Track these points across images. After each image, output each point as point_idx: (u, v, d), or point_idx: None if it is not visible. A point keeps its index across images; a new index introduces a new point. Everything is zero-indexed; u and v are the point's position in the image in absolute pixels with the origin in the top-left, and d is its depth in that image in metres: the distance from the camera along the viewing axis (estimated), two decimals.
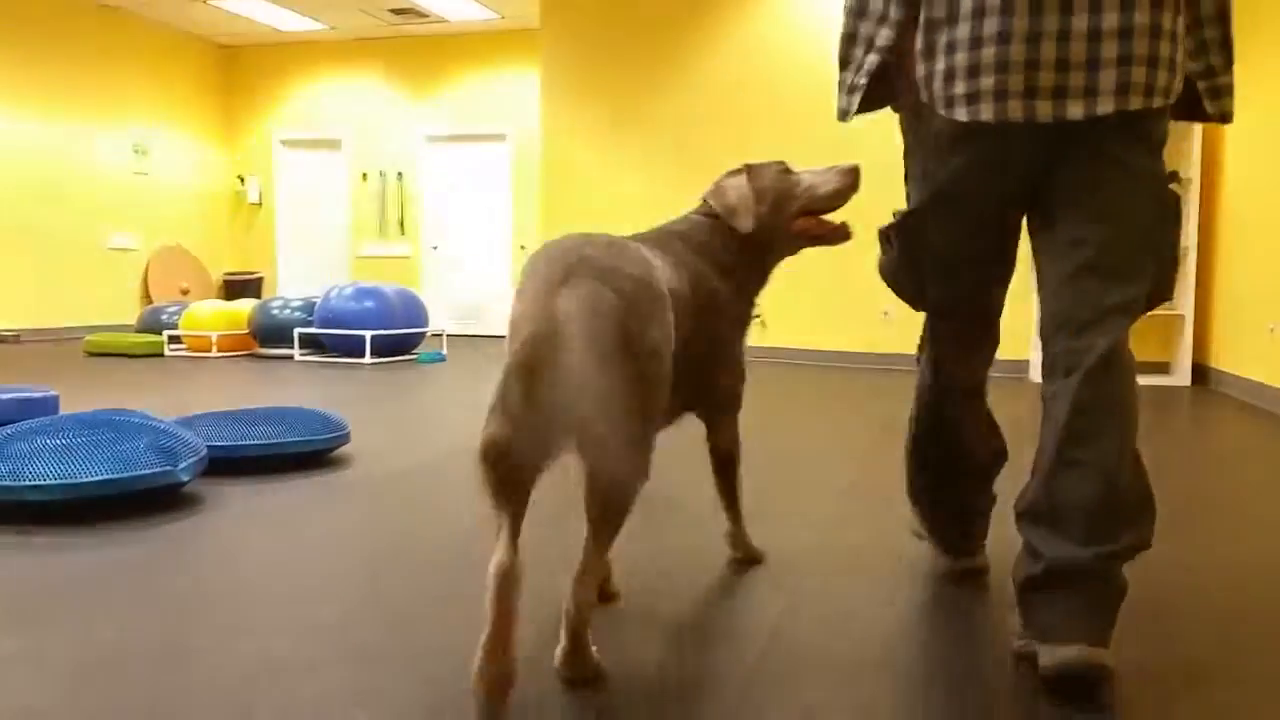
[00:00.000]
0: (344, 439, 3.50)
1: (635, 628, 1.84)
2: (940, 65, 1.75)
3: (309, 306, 8.07)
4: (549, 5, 9.07)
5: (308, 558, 2.30)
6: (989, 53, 1.68)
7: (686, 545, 2.43)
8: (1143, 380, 6.44)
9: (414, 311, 8.12)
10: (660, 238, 2.02)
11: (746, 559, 2.29)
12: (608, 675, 1.62)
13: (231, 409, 3.63)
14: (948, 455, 2.10)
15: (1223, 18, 1.77)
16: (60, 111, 10.19)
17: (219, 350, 8.04)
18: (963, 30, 1.71)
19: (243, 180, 12.44)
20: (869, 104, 1.92)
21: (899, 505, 2.87)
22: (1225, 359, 6.06)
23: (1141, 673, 1.66)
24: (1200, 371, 6.45)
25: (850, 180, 2.12)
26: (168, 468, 2.67)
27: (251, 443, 3.20)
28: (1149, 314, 2.21)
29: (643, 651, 1.73)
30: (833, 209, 2.13)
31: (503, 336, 11.45)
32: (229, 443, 3.18)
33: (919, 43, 1.80)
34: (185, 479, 2.72)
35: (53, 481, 2.50)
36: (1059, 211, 1.76)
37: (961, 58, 1.72)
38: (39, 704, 1.50)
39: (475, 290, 11.85)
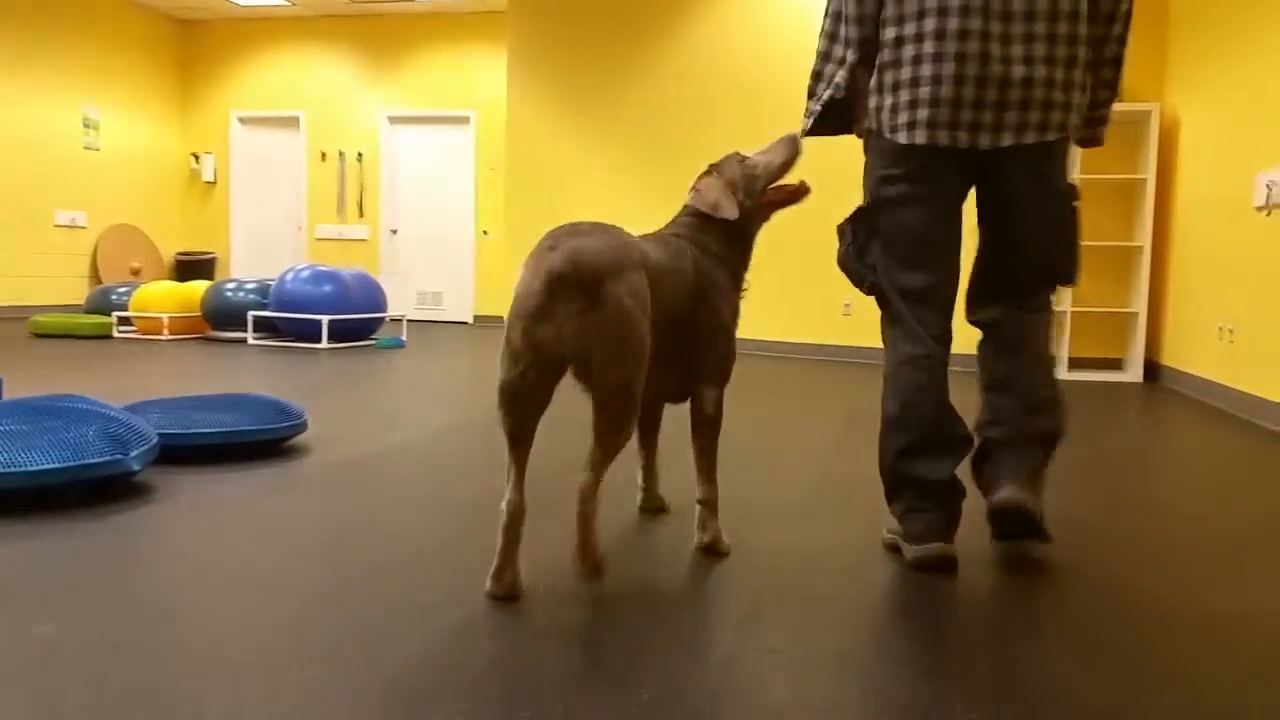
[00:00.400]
0: (300, 427, 3.44)
1: (596, 631, 1.83)
2: (888, 100, 2.25)
3: (264, 289, 7.95)
4: None
5: (263, 551, 2.25)
6: (924, 92, 2.17)
7: (649, 544, 2.42)
8: (1095, 376, 6.52)
9: (372, 296, 8.03)
10: (662, 237, 2.30)
11: (712, 545, 2.33)
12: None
13: (184, 395, 3.55)
14: (919, 430, 2.26)
15: (1118, 62, 2.28)
16: (7, 82, 9.92)
17: (170, 333, 7.90)
18: (905, 73, 2.20)
19: (197, 158, 12.22)
20: (824, 131, 2.44)
21: (863, 500, 2.88)
22: (1176, 356, 6.14)
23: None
24: (1152, 368, 6.53)
25: (794, 147, 2.42)
26: (118, 456, 2.61)
27: (205, 430, 3.14)
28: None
29: (605, 655, 1.71)
30: (784, 175, 2.43)
31: (464, 323, 11.38)
32: (181, 430, 3.12)
33: (873, 81, 2.29)
34: (136, 468, 2.66)
35: None
36: (985, 221, 2.36)
37: (904, 95, 2.21)
38: None
39: (436, 275, 11.75)
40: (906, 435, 2.25)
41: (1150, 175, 6.37)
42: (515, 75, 9.12)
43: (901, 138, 2.22)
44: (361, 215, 11.80)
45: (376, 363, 6.53)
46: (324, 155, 11.84)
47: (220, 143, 12.20)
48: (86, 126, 10.83)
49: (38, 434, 2.54)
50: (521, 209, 9.21)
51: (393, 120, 11.69)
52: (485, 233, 11.41)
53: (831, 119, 2.41)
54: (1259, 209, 4.73)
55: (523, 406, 1.94)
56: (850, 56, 2.29)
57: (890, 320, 2.37)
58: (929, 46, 2.15)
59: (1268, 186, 4.55)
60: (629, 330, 1.90)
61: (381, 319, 8.16)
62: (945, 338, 2.31)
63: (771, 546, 2.41)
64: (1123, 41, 2.26)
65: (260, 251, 12.37)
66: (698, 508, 2.35)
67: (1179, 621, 1.95)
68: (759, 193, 2.39)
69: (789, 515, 2.72)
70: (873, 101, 2.29)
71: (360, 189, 11.75)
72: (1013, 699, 1.57)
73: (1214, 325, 5.40)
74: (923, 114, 2.18)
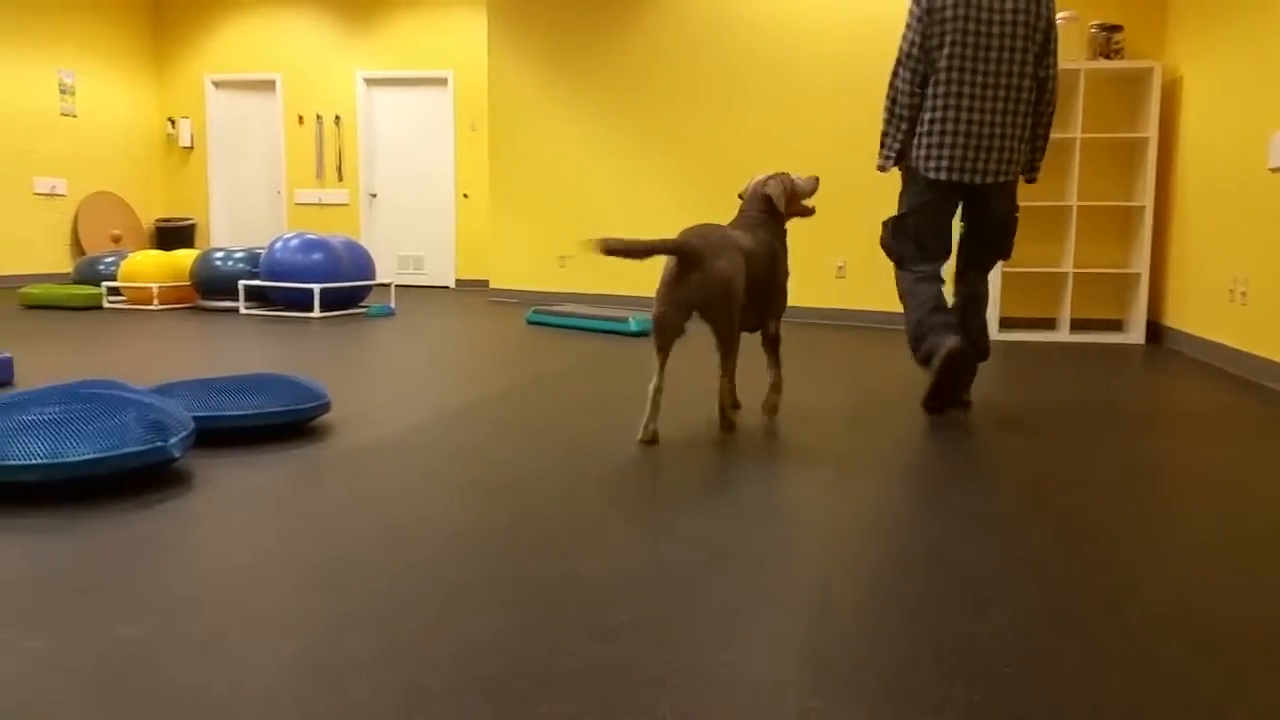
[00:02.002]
0: (325, 408, 3.39)
1: (697, 623, 1.80)
2: (922, 152, 3.87)
3: (253, 258, 7.82)
4: None
5: (318, 539, 2.21)
6: (945, 151, 3.81)
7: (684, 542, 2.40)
8: (1096, 338, 6.55)
9: (361, 264, 7.92)
10: (747, 225, 3.64)
11: (774, 407, 3.77)
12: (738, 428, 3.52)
13: (206, 376, 3.49)
14: (933, 303, 3.83)
15: (1047, 135, 3.93)
16: None
17: (160, 302, 7.77)
18: (934, 139, 3.83)
19: (173, 123, 11.97)
20: (894, 165, 4.00)
21: (889, 475, 2.88)
22: (1180, 318, 6.17)
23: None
24: (1154, 330, 6.57)
25: (816, 184, 3.85)
26: (159, 443, 2.55)
27: (234, 413, 3.08)
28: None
29: (707, 645, 1.69)
30: (808, 197, 3.84)
31: (446, 287, 11.27)
32: (211, 413, 3.06)
33: (915, 140, 3.91)
34: (177, 454, 2.60)
35: (42, 461, 2.36)
36: (969, 222, 4.02)
37: (933, 150, 3.83)
38: (74, 714, 1.41)
39: (416, 239, 11.61)
40: (926, 307, 3.82)
41: (1152, 134, 6.36)
42: (496, 34, 8.96)
43: (930, 174, 3.87)
44: (341, 179, 11.62)
45: (370, 332, 6.46)
46: (301, 119, 11.63)
47: (196, 107, 11.95)
48: (63, 92, 10.56)
49: (76, 422, 2.48)
50: (505, 170, 9.10)
51: (369, 82, 11.49)
52: (465, 195, 11.27)
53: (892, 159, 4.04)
54: (1275, 170, 4.73)
55: (664, 331, 3.22)
56: (904, 126, 3.91)
57: (906, 275, 3.98)
58: (949, 127, 3.80)
59: None
60: (725, 290, 3.24)
61: (370, 287, 8.06)
62: (937, 276, 3.94)
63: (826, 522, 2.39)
64: (1049, 123, 3.92)
65: (240, 217, 12.17)
66: (769, 387, 3.77)
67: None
68: (793, 202, 3.79)
69: (820, 484, 2.71)
70: (913, 151, 3.92)
71: (339, 153, 11.56)
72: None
73: (1223, 286, 5.41)
74: (944, 162, 3.83)
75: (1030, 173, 4.01)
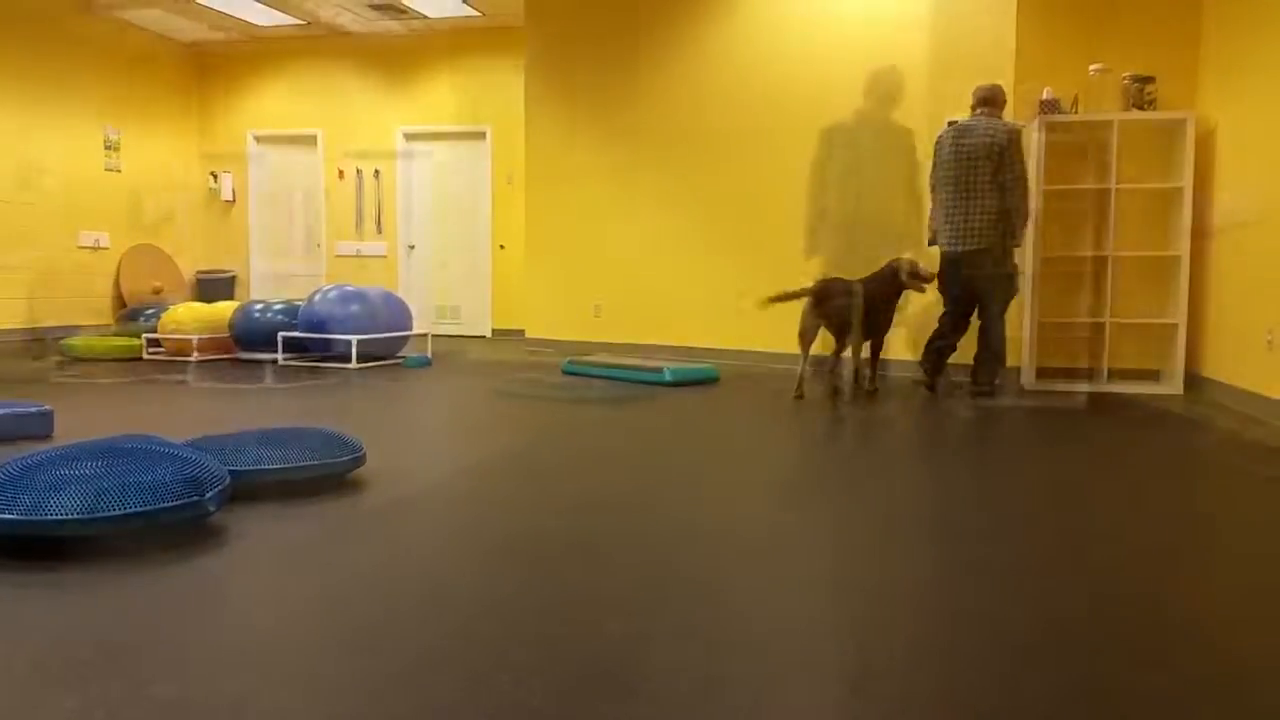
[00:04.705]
0: (360, 460, 3.41)
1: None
2: (939, 234, 6.12)
3: (291, 310, 7.91)
4: (533, 4, 8.99)
5: (353, 597, 2.22)
6: (945, 229, 6.02)
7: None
8: (1134, 388, 6.48)
9: (399, 315, 8.00)
10: (875, 279, 5.98)
11: (872, 389, 6.06)
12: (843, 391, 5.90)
13: (242, 429, 3.53)
14: (940, 339, 6.16)
15: (1020, 215, 5.89)
16: (32, 107, 9.92)
17: (199, 354, 7.88)
18: (940, 224, 6.08)
19: (215, 177, 12.20)
20: (933, 243, 6.27)
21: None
22: (1217, 367, 6.10)
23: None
24: (1192, 380, 6.49)
25: (932, 276, 5.99)
26: (195, 498, 2.58)
27: (270, 467, 3.11)
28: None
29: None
30: (922, 277, 5.93)
31: (482, 336, 11.34)
32: (247, 467, 3.09)
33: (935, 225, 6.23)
34: (213, 509, 2.63)
35: (79, 515, 2.40)
36: (964, 276, 6.01)
37: (940, 230, 6.10)
38: None
39: (453, 290, 11.72)
40: (934, 343, 6.12)
41: (1186, 184, 6.32)
42: (533, 90, 9.10)
43: (941, 247, 6.07)
44: (380, 232, 11.78)
45: (407, 383, 6.51)
46: (341, 173, 11.82)
47: (238, 162, 12.19)
48: (108, 148, 10.82)
49: (113, 477, 2.51)
50: (540, 222, 9.19)
51: (409, 137, 11.67)
52: (501, 247, 11.38)
53: (933, 239, 6.18)
54: None
55: (804, 336, 5.78)
56: (938, 216, 6.11)
57: (945, 313, 6.12)
58: (944, 221, 5.97)
59: None
60: (839, 316, 5.73)
61: (408, 337, 8.13)
62: (961, 318, 6.08)
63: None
64: (1018, 206, 5.82)
65: (279, 269, 12.35)
66: (868, 373, 6.05)
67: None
68: (916, 275, 5.88)
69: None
70: (938, 233, 6.08)
71: (378, 206, 11.73)
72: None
73: (1260, 336, 5.35)
74: (944, 240, 6.00)
75: (1010, 239, 5.89)
